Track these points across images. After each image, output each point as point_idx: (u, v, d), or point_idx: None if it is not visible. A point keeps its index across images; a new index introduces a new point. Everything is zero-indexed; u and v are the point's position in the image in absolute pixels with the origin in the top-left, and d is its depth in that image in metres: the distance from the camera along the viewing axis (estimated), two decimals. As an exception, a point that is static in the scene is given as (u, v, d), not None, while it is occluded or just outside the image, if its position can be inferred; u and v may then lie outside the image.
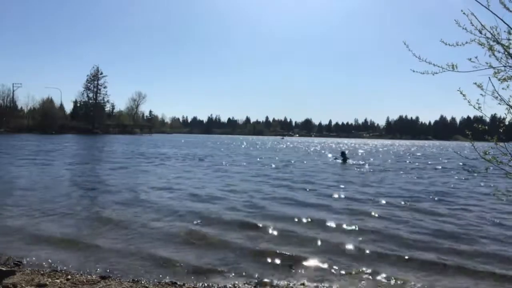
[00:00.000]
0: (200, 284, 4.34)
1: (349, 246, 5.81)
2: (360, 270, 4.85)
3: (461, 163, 23.96)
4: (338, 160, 24.01)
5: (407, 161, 27.06)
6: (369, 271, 4.82)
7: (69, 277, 4.32)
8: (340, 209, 8.54)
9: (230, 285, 4.33)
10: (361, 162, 23.89)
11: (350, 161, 23.91)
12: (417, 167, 21.51)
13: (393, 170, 19.06)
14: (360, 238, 6.25)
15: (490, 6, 2.96)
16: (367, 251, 5.60)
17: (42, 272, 4.47)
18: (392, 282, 4.53)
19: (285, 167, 19.72)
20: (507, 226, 7.33)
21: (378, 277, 4.64)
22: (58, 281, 4.17)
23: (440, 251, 5.67)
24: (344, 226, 7.03)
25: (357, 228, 6.89)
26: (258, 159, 25.52)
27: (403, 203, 9.46)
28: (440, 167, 22.05)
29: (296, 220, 7.44)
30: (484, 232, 6.79)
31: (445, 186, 13.31)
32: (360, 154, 35.86)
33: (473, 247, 5.92)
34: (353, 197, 10.27)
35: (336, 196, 10.41)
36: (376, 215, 8.03)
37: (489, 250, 5.80)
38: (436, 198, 10.39)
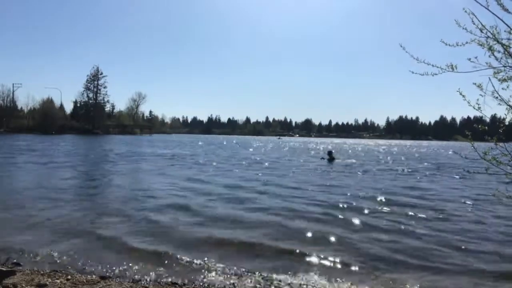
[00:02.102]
0: (200, 284, 4.34)
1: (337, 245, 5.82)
2: (359, 270, 4.86)
3: (454, 164, 23.96)
4: (324, 159, 24.72)
5: (397, 161, 26.94)
6: (368, 271, 4.83)
7: (69, 277, 4.32)
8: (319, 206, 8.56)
9: (229, 285, 4.33)
10: (348, 161, 24.34)
11: (337, 160, 24.55)
12: (407, 168, 21.11)
13: (379, 170, 18.97)
14: (351, 237, 6.25)
15: (490, 6, 2.97)
16: (364, 251, 5.61)
17: (42, 272, 4.47)
18: (392, 283, 4.53)
19: (273, 164, 19.86)
20: (500, 226, 7.34)
21: (378, 277, 4.65)
22: (58, 281, 4.16)
23: (439, 251, 5.68)
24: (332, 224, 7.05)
25: (344, 228, 6.90)
26: (242, 157, 25.57)
27: (382, 201, 9.49)
28: (431, 168, 22.03)
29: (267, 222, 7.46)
30: (480, 232, 6.80)
31: (432, 187, 13.30)
32: (351, 153, 35.87)
33: (469, 247, 5.93)
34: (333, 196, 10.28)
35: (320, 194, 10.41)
36: (361, 214, 8.05)
37: (486, 250, 5.80)
38: (419, 198, 10.38)
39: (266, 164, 21.55)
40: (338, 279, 4.59)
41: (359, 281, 4.55)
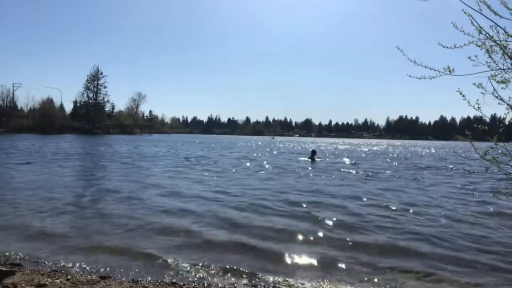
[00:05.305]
0: (200, 285, 4.35)
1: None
2: (358, 270, 4.87)
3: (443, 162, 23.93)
4: (304, 159, 25.37)
5: (384, 161, 26.89)
6: (368, 271, 4.84)
7: (69, 277, 4.33)
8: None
9: (229, 285, 4.34)
10: (331, 161, 24.80)
11: (318, 159, 25.01)
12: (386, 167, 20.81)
13: (360, 170, 18.79)
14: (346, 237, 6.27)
15: (489, 7, 2.98)
16: (362, 249, 5.63)
17: (42, 272, 4.47)
18: (392, 283, 4.54)
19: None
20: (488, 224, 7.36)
21: (378, 278, 4.66)
22: (58, 281, 4.17)
23: (437, 251, 5.70)
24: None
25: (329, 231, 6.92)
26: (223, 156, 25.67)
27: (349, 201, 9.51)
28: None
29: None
30: (477, 232, 6.82)
31: (418, 185, 13.33)
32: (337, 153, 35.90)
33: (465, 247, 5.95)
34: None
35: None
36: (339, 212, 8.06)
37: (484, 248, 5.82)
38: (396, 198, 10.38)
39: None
40: (335, 279, 4.61)
41: (358, 280, 4.57)
